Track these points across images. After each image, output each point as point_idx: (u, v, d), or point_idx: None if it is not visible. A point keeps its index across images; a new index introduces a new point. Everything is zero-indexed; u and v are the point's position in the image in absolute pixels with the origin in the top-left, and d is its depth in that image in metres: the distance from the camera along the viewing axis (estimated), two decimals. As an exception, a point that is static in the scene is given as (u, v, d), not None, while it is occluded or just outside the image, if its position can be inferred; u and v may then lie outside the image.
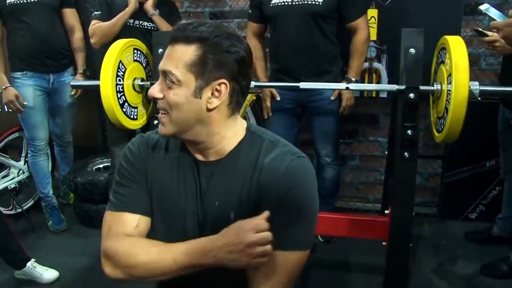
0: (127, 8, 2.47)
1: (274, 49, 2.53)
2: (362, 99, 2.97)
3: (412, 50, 2.04)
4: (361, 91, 2.90)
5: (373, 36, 2.77)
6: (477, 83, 1.86)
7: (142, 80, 2.36)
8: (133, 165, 1.20)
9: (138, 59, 2.37)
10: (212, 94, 1.07)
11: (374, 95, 2.91)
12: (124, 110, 2.27)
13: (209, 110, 1.08)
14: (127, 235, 1.15)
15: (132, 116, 2.34)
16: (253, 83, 2.26)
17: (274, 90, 2.55)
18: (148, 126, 2.41)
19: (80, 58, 2.89)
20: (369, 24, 2.71)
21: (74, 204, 3.08)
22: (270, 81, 2.61)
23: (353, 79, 2.44)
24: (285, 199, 1.07)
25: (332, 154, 2.64)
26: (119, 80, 2.21)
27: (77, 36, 2.90)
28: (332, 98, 2.49)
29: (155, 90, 1.09)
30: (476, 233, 2.76)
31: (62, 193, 3.32)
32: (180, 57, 1.06)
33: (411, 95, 2.01)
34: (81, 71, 2.86)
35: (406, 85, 2.03)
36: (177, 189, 1.16)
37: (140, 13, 2.53)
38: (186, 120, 1.08)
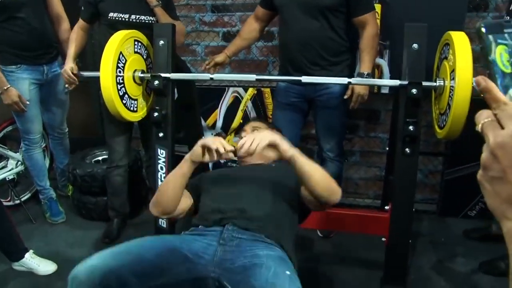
0: None
1: (282, 40, 2.54)
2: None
3: (415, 46, 2.04)
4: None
5: (376, 32, 2.76)
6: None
7: (143, 72, 2.34)
8: None
9: (138, 51, 2.35)
10: None
11: (376, 90, 2.89)
12: (124, 102, 2.25)
13: None
14: None
15: (132, 108, 2.32)
16: (254, 76, 2.26)
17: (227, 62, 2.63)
18: (148, 118, 2.40)
19: None
20: (372, 20, 2.72)
21: (73, 196, 3.07)
22: (279, 72, 2.65)
23: (365, 73, 2.40)
24: None
25: (335, 150, 2.61)
26: (119, 72, 2.20)
27: (65, 27, 2.85)
28: (346, 96, 2.45)
29: None
30: (475, 230, 2.76)
31: (60, 185, 3.31)
32: None
33: (414, 91, 2.00)
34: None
35: (409, 80, 2.03)
36: None
37: (136, 7, 2.49)
38: None
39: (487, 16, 2.74)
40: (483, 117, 0.57)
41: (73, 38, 2.58)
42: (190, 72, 3.10)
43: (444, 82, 1.97)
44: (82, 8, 2.55)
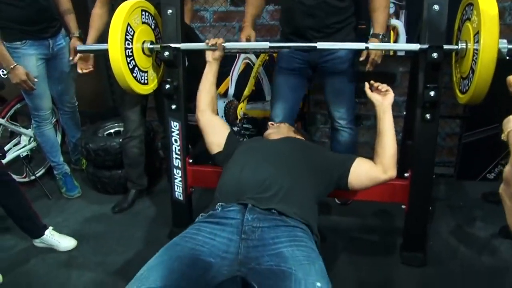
0: None
1: (286, 12, 2.42)
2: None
3: (436, 7, 1.94)
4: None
5: (392, -9, 2.65)
6: (505, 40, 1.76)
7: (152, 43, 2.27)
8: None
9: (146, 21, 2.27)
10: None
11: (392, 53, 2.80)
12: (135, 75, 2.19)
13: None
14: None
15: (142, 81, 2.27)
16: (267, 44, 2.19)
17: (252, 37, 2.44)
18: (159, 90, 2.35)
19: (72, 21, 2.74)
20: (388, -22, 2.61)
21: (87, 170, 3.06)
22: (280, 37, 2.54)
23: (380, 34, 2.31)
24: None
25: (346, 116, 2.53)
26: (128, 44, 2.12)
27: None
28: (362, 58, 2.34)
29: None
30: (494, 193, 2.72)
31: (73, 159, 3.30)
32: None
33: (435, 55, 1.92)
34: (77, 35, 2.72)
35: (429, 44, 1.94)
36: None
37: None
38: None
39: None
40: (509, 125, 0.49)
41: (91, 22, 2.55)
42: (199, 39, 3.02)
43: (466, 45, 1.87)
44: None
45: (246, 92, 3.08)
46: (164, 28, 2.24)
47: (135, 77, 2.20)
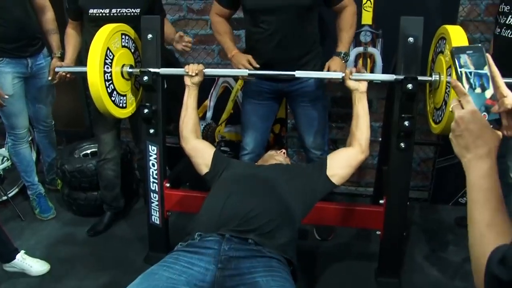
0: None
1: (254, 44, 2.34)
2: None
3: (411, 39, 2.00)
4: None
5: (369, 20, 2.71)
6: None
7: (131, 67, 2.27)
8: None
9: (126, 44, 2.28)
10: None
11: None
12: (113, 99, 2.19)
13: None
14: None
15: (121, 105, 2.26)
16: (246, 71, 2.19)
17: (252, 59, 2.27)
18: (138, 113, 2.34)
19: (54, 41, 2.72)
20: (365, 8, 2.69)
21: (62, 191, 3.01)
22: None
23: (342, 53, 2.29)
24: None
25: (321, 145, 2.49)
26: (107, 68, 2.13)
27: (49, 16, 2.73)
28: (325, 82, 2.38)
29: None
30: (466, 218, 2.78)
31: (48, 179, 3.24)
32: None
33: (409, 86, 1.97)
34: (59, 55, 2.69)
35: (404, 75, 2.00)
36: None
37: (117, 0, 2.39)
38: None
39: (481, 4, 2.70)
40: (453, 102, 0.99)
41: (66, 41, 2.54)
42: (178, 62, 3.03)
43: (440, 77, 1.93)
44: (67, 7, 2.47)
45: (224, 115, 3.09)
46: (143, 53, 2.25)
47: (113, 101, 2.19)
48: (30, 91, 2.81)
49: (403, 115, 2.04)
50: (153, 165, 2.34)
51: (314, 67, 2.34)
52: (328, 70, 2.25)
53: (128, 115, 2.36)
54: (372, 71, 2.82)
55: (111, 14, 2.37)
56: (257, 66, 2.27)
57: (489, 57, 1.02)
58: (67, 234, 2.78)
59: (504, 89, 0.98)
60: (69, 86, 3.03)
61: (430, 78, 1.99)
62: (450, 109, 1.01)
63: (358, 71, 2.05)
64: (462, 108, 0.96)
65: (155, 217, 2.42)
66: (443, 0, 2.62)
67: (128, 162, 3.03)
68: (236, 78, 3.00)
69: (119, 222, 2.88)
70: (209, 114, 3.11)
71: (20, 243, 2.50)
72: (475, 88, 0.99)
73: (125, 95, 2.29)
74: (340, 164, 1.95)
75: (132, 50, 2.34)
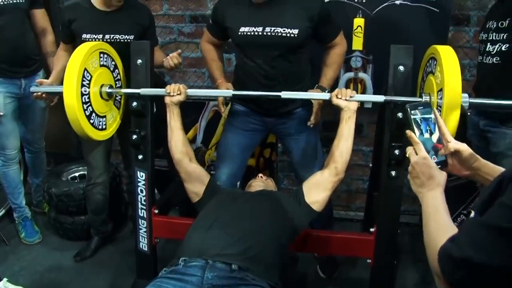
0: None
1: (242, 76, 2.33)
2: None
3: (401, 68, 2.00)
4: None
5: (359, 46, 2.72)
6: (466, 95, 1.81)
7: (111, 87, 2.20)
8: None
9: (104, 63, 2.19)
10: None
11: (359, 105, 2.85)
12: (92, 121, 2.11)
13: None
14: None
15: (100, 127, 2.18)
16: (230, 92, 2.17)
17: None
18: (126, 130, 2.28)
19: (52, 64, 2.68)
20: (356, 34, 2.70)
21: (49, 215, 2.96)
22: (232, 103, 2.45)
23: (326, 89, 2.27)
24: None
25: None
26: (85, 90, 2.04)
27: (49, 39, 2.74)
28: (309, 123, 2.28)
29: None
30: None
31: (35, 201, 3.20)
32: None
33: (400, 115, 1.97)
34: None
35: (394, 103, 1.99)
36: None
37: (110, 26, 2.38)
38: None
39: (469, 31, 2.72)
40: (409, 149, 1.21)
41: (56, 61, 2.52)
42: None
43: (430, 98, 1.90)
44: (61, 29, 2.46)
45: (214, 139, 3.07)
46: (132, 78, 2.22)
47: (92, 124, 2.11)
48: (23, 112, 2.78)
49: (393, 144, 2.03)
50: (142, 191, 2.31)
51: (304, 103, 2.32)
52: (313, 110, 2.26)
53: (108, 137, 2.29)
54: (362, 96, 2.83)
55: (105, 40, 2.36)
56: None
57: (435, 109, 1.28)
58: (53, 259, 2.72)
59: (448, 136, 1.25)
60: (57, 106, 3.00)
61: (420, 100, 1.95)
62: (407, 155, 1.22)
63: (346, 93, 2.01)
64: (416, 154, 1.18)
65: (143, 244, 2.37)
66: (432, 27, 2.63)
67: (117, 185, 2.99)
68: (226, 102, 2.99)
69: (106, 247, 2.84)
70: (199, 138, 3.09)
71: (3, 269, 2.45)
72: (424, 134, 1.23)
73: (104, 116, 2.21)
74: (317, 190, 1.96)
75: (111, 69, 2.26)
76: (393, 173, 2.08)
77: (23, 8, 2.59)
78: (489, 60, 2.15)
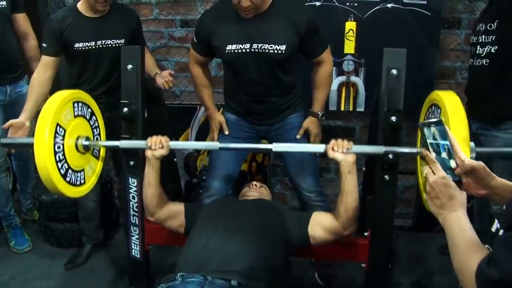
0: None
1: (232, 92, 2.34)
2: (339, 113, 2.93)
3: (394, 71, 1.99)
4: (338, 104, 2.86)
5: (351, 50, 2.73)
6: (473, 144, 1.73)
7: (87, 138, 2.06)
8: None
9: (80, 113, 2.05)
10: None
11: (351, 109, 2.87)
12: (68, 179, 1.93)
13: None
14: None
15: (78, 182, 2.01)
16: (217, 144, 2.05)
17: (224, 124, 2.35)
18: (115, 132, 2.23)
19: (36, 68, 2.63)
20: (347, 38, 2.69)
21: (39, 222, 2.92)
22: (224, 106, 2.44)
23: (319, 114, 2.29)
24: None
25: (314, 186, 2.38)
26: (58, 148, 1.86)
27: (32, 44, 2.68)
28: (298, 136, 2.31)
29: None
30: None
31: (25, 208, 3.15)
32: None
33: (393, 118, 1.95)
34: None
35: (388, 107, 1.98)
36: None
37: (101, 32, 2.36)
38: None
39: (461, 34, 2.73)
40: (426, 169, 1.18)
41: (30, 88, 2.35)
42: (159, 91, 2.99)
43: None
44: (45, 45, 2.34)
45: (207, 143, 3.05)
46: (123, 84, 2.19)
47: (68, 182, 1.94)
48: (9, 118, 2.72)
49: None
50: (133, 197, 2.28)
51: (295, 108, 2.32)
52: (306, 131, 2.29)
53: (88, 190, 2.12)
54: (355, 100, 2.83)
55: (97, 47, 2.34)
56: (226, 132, 2.33)
57: (447, 128, 1.22)
58: (44, 267, 2.68)
59: (461, 155, 1.20)
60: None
61: (421, 150, 1.80)
62: (424, 175, 1.19)
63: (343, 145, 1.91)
64: (434, 174, 1.16)
65: (136, 251, 2.34)
66: (424, 29, 2.64)
67: (108, 192, 2.96)
68: (218, 107, 2.97)
69: (98, 254, 2.80)
70: (191, 143, 3.07)
71: (-7, 279, 2.41)
72: (441, 154, 1.22)
73: (82, 170, 2.05)
74: (322, 230, 1.93)
75: (88, 117, 2.13)
76: (387, 177, 2.07)
77: (5, 13, 2.54)
78: (479, 62, 2.17)
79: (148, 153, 1.99)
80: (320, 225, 1.92)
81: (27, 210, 3.15)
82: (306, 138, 2.36)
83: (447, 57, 2.77)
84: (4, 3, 2.51)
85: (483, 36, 2.14)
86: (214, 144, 2.10)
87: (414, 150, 1.91)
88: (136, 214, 2.29)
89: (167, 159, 2.15)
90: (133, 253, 2.35)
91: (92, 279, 2.57)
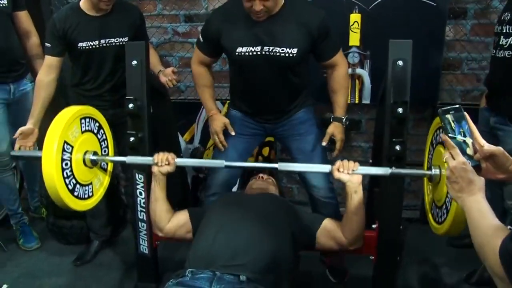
0: None
1: (239, 92, 2.32)
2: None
3: (400, 63, 1.97)
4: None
5: (356, 42, 2.71)
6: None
7: (95, 153, 2.06)
8: None
9: (87, 128, 2.05)
10: None
11: (357, 101, 2.85)
12: (76, 194, 1.95)
13: None
14: None
15: (86, 196, 2.04)
16: (223, 162, 2.00)
17: (228, 125, 2.29)
18: (124, 131, 2.20)
19: (39, 67, 2.60)
20: (352, 29, 2.68)
21: (47, 219, 2.93)
22: (230, 105, 2.43)
23: (343, 118, 2.25)
24: None
25: (323, 183, 2.29)
26: (66, 165, 1.87)
27: (34, 42, 2.68)
28: (324, 143, 2.26)
29: None
30: (458, 238, 2.75)
31: (32, 207, 3.16)
32: None
33: (400, 110, 1.94)
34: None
35: (394, 99, 1.97)
36: None
37: (105, 30, 2.35)
38: None
39: (466, 24, 2.71)
40: (446, 154, 1.22)
41: (36, 92, 2.36)
42: (164, 87, 2.99)
43: (440, 171, 1.75)
44: (48, 45, 2.33)
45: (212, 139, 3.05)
46: (128, 80, 2.19)
47: (76, 196, 1.95)
48: (14, 117, 2.73)
49: (394, 139, 2.01)
50: (141, 193, 2.28)
51: (302, 105, 2.30)
52: (331, 137, 2.24)
53: (95, 203, 2.13)
54: (360, 92, 2.82)
55: (101, 46, 2.34)
56: (233, 133, 2.27)
57: (466, 114, 1.29)
58: (53, 264, 2.69)
59: (481, 140, 1.24)
60: (51, 108, 2.97)
61: (429, 172, 1.80)
62: (444, 160, 1.23)
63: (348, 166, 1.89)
64: (453, 159, 1.19)
65: (144, 247, 2.35)
66: (429, 20, 2.62)
67: (115, 188, 2.96)
68: (223, 102, 2.98)
69: (106, 251, 2.81)
70: (196, 138, 3.07)
71: (2, 276, 2.42)
72: (458, 137, 1.26)
73: (90, 184, 2.06)
74: (330, 237, 1.94)
75: (95, 131, 2.13)
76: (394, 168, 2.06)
77: (6, 11, 2.54)
78: (501, 54, 2.10)
79: (155, 169, 1.99)
80: (330, 234, 1.93)
81: (35, 208, 3.16)
82: (314, 130, 2.32)
83: (453, 47, 2.75)
84: (5, 1, 2.51)
85: (508, 26, 2.06)
86: (220, 162, 2.05)
87: (421, 171, 1.88)
88: (144, 210, 2.29)
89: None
90: (141, 249, 2.35)
91: (100, 276, 2.58)
